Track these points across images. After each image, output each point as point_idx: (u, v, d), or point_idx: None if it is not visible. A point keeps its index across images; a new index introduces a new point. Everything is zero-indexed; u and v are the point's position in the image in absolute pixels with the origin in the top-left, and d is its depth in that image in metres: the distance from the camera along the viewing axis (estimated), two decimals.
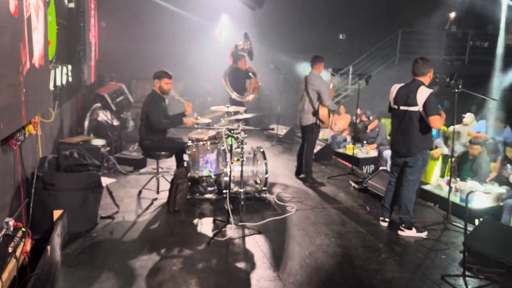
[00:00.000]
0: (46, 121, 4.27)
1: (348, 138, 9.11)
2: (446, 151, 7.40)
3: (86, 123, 6.65)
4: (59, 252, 3.45)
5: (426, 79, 4.15)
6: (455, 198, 5.33)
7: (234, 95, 6.62)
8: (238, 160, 4.63)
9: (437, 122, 3.98)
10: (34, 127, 3.49)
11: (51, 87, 4.37)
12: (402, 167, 4.33)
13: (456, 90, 4.42)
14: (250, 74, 6.89)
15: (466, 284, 3.25)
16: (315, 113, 5.76)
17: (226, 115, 4.99)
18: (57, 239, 3.37)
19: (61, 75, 4.99)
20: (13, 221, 2.96)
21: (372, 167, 7.87)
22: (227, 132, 4.42)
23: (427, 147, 4.18)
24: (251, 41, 7.19)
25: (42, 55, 3.21)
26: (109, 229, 4.08)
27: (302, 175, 6.11)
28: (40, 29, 3.12)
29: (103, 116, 6.90)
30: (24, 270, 3.00)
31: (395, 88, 4.30)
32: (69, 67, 5.55)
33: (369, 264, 3.63)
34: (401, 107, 4.18)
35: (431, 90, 4.03)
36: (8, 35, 2.25)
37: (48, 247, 3.04)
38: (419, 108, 4.02)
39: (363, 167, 7.75)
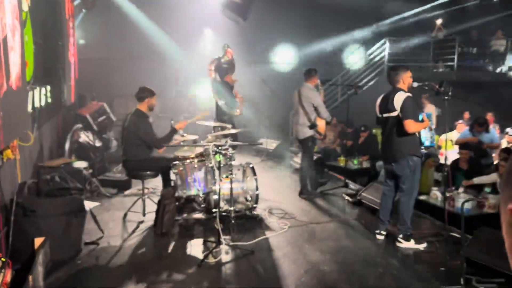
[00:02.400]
0: (25, 145, 4.22)
1: (338, 149, 9.20)
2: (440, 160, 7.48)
3: (67, 145, 6.61)
4: (41, 282, 3.38)
5: (403, 85, 4.33)
6: (451, 208, 5.38)
7: (222, 103, 6.58)
8: (227, 177, 4.64)
9: (411, 125, 4.12)
10: (13, 151, 3.46)
11: (30, 109, 4.35)
12: (394, 175, 4.42)
13: (446, 97, 4.53)
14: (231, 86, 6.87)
15: None
16: (313, 126, 5.88)
17: (213, 130, 5.04)
18: (39, 268, 3.31)
19: (39, 96, 4.97)
20: None
21: (365, 179, 7.93)
22: (215, 148, 4.44)
23: (412, 152, 4.27)
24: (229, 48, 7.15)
25: (19, 76, 3.21)
26: (94, 255, 4.02)
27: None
28: (17, 49, 3.13)
29: (85, 137, 6.86)
30: None
31: (379, 99, 4.51)
32: (48, 87, 5.53)
33: (367, 279, 3.64)
34: (384, 115, 4.37)
35: (407, 95, 4.19)
36: None
37: (30, 277, 2.99)
38: (397, 112, 4.18)
39: (356, 179, 7.81)
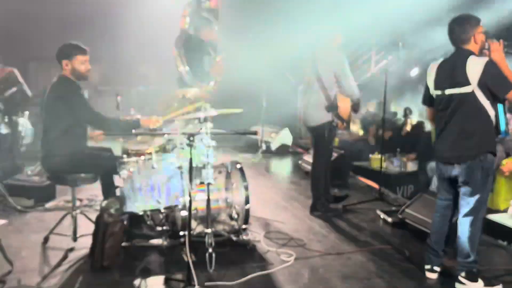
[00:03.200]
0: None
1: (371, 142, 9.25)
2: None
3: None
4: None
5: (474, 45, 4.31)
6: None
7: (185, 71, 6.61)
8: (202, 183, 4.63)
9: None
10: None
11: None
12: (455, 184, 4.42)
13: None
14: (210, 49, 6.90)
15: None
16: (333, 108, 5.86)
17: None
18: None
19: None
20: None
21: (411, 188, 7.98)
22: (184, 139, 4.42)
23: (487, 149, 4.27)
24: None
25: None
26: None
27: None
28: None
29: None
30: None
31: (433, 67, 4.47)
32: None
33: None
34: (446, 91, 4.31)
35: (486, 59, 4.15)
36: None
37: None
38: (472, 87, 4.15)
39: (398, 188, 7.86)
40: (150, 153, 4.98)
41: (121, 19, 10.72)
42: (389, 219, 5.96)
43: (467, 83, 4.16)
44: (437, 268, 4.59)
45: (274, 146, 9.48)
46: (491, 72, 4.11)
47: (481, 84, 4.12)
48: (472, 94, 4.17)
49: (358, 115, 9.83)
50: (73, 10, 10.47)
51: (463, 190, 4.36)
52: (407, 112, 8.89)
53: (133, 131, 5.38)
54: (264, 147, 9.28)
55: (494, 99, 4.20)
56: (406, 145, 8.60)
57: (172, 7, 7.22)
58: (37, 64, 10.10)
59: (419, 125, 8.68)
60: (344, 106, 5.97)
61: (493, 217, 6.05)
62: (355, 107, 6.19)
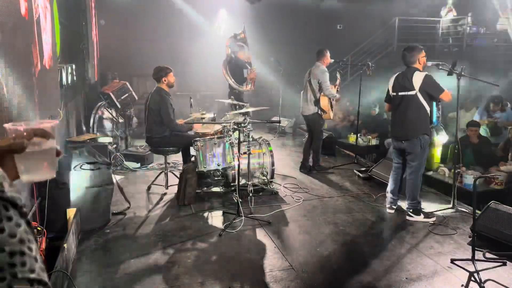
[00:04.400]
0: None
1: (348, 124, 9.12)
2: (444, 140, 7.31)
3: (92, 121, 6.64)
4: (74, 249, 3.47)
5: (418, 65, 4.25)
6: (460, 184, 5.33)
7: (232, 81, 6.66)
8: (245, 153, 4.64)
9: (448, 96, 4.13)
10: None
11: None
12: (403, 153, 4.38)
13: (459, 77, 4.42)
14: (246, 64, 6.92)
15: (475, 268, 3.27)
16: (316, 102, 5.81)
17: (231, 109, 5.02)
18: (72, 236, 3.39)
19: (66, 75, 4.97)
20: None
21: (374, 155, 7.89)
22: (234, 126, 4.42)
23: (424, 131, 4.22)
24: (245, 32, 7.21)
25: (50, 55, 3.20)
26: (122, 225, 4.10)
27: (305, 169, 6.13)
28: (48, 30, 3.11)
29: (108, 114, 6.89)
30: None
31: (392, 77, 4.43)
32: (73, 66, 5.52)
33: (379, 251, 3.65)
34: (399, 93, 4.28)
35: (425, 73, 4.12)
36: (20, 37, 2.25)
37: (65, 245, 3.05)
38: (415, 92, 4.11)
39: (365, 155, 7.77)
40: (212, 134, 4.99)
41: (191, 49, 10.67)
42: (362, 175, 5.91)
43: (412, 89, 4.14)
44: (394, 207, 4.56)
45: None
46: (428, 82, 4.09)
47: (421, 90, 4.11)
48: (415, 96, 4.14)
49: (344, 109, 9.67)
50: (161, 45, 10.41)
51: (409, 157, 4.34)
52: (372, 106, 8.74)
53: (201, 120, 5.37)
54: (280, 129, 9.21)
55: (430, 99, 4.15)
56: (371, 127, 8.48)
57: (223, 39, 7.19)
58: (138, 78, 10.12)
59: (379, 115, 8.55)
60: (323, 103, 5.87)
61: (428, 173, 5.97)
62: (331, 101, 6.05)
